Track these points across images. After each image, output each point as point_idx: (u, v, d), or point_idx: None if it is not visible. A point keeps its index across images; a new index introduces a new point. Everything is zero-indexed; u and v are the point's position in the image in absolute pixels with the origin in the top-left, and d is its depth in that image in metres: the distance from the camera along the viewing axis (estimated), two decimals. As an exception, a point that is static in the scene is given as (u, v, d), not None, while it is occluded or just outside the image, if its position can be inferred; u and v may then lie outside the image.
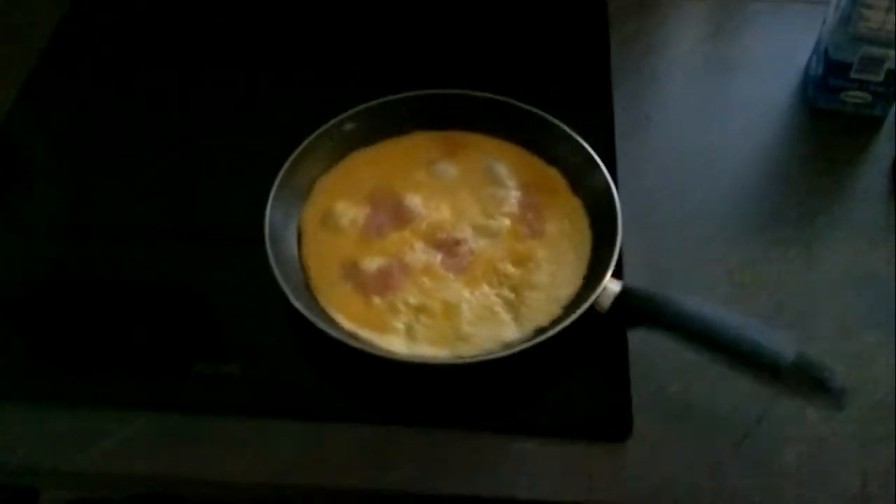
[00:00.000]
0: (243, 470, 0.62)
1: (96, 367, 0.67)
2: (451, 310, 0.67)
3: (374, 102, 0.77)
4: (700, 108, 0.87)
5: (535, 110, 0.77)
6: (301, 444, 0.63)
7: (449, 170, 0.76)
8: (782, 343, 0.60)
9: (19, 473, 0.63)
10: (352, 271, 0.69)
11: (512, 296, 0.68)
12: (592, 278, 0.68)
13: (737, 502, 0.61)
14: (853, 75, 0.81)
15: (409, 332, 0.66)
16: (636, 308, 0.65)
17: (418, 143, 0.78)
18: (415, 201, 0.74)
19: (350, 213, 0.73)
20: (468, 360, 0.64)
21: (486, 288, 0.69)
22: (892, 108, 0.83)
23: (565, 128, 0.75)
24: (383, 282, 0.69)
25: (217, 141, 0.84)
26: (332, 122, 0.76)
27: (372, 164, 0.77)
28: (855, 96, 0.83)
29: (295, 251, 0.71)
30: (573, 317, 0.64)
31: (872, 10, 0.75)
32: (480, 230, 0.72)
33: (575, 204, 0.74)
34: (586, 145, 0.74)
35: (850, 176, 0.81)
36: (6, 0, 0.95)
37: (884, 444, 0.63)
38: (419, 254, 0.70)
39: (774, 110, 0.87)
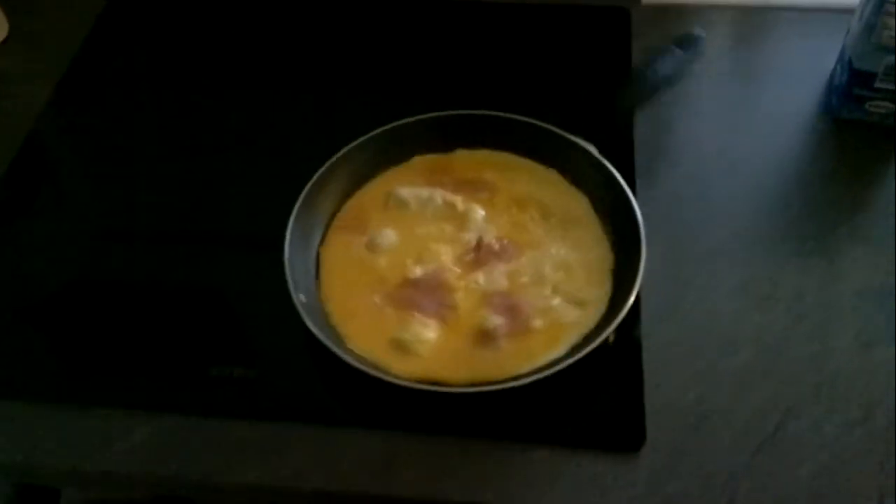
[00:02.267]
0: (256, 473, 0.63)
1: (116, 369, 0.69)
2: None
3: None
4: (722, 116, 0.86)
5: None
6: (313, 449, 0.63)
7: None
8: None
9: (40, 473, 0.65)
10: None
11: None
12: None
13: (750, 515, 0.60)
14: (877, 85, 0.80)
15: None
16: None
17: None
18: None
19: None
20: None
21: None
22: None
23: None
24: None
25: (245, 147, 0.85)
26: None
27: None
28: (879, 106, 0.81)
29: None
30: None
31: (897, 18, 0.75)
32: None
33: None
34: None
35: (873, 187, 0.79)
36: (39, 9, 0.97)
37: (902, 459, 0.62)
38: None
39: (798, 120, 0.86)
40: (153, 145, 0.86)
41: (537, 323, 0.67)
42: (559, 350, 0.66)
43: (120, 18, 0.99)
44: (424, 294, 0.69)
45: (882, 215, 0.77)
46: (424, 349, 0.66)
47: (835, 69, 0.86)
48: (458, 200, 0.75)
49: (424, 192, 0.76)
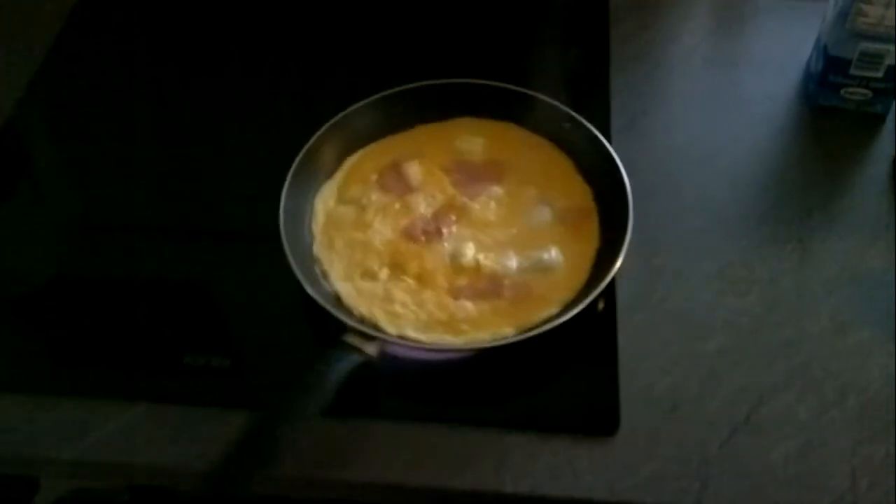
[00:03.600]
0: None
1: (93, 359, 0.69)
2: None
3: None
4: (699, 103, 0.86)
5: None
6: (290, 437, 0.63)
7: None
8: None
9: (15, 462, 0.64)
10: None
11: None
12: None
13: (723, 500, 0.60)
14: (853, 72, 0.80)
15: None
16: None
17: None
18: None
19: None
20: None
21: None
22: (893, 105, 0.82)
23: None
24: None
25: (223, 137, 0.85)
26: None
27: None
28: (855, 93, 0.82)
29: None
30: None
31: (871, 5, 0.75)
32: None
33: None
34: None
35: (848, 173, 0.80)
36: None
37: (874, 442, 0.63)
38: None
39: (775, 107, 0.86)
40: (130, 134, 0.85)
41: None
42: None
43: (96, 7, 0.98)
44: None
45: (856, 201, 0.78)
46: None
47: (811, 56, 0.86)
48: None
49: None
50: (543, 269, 0.70)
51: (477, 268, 0.70)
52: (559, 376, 0.66)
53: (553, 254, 0.70)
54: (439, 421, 0.64)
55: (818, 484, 0.61)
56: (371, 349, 0.62)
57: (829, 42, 0.80)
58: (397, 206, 0.73)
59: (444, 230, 0.72)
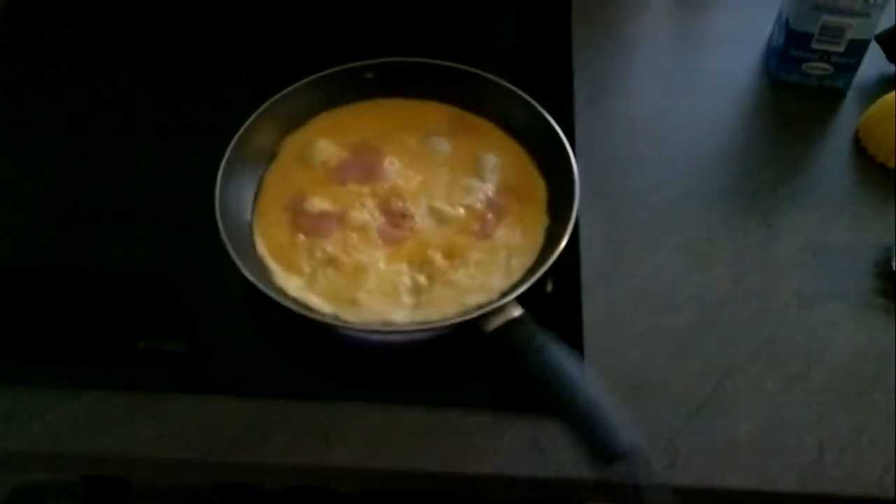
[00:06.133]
0: (187, 448, 0.60)
1: (41, 347, 0.66)
2: (358, 272, 0.66)
3: (383, 60, 0.77)
4: (662, 79, 0.86)
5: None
6: (246, 421, 0.61)
7: (442, 146, 0.75)
8: (622, 432, 0.55)
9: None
10: (296, 205, 0.70)
11: (424, 283, 0.66)
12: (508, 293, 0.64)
13: (691, 475, 0.59)
14: (814, 45, 0.80)
15: (310, 279, 0.66)
16: (515, 340, 0.61)
17: (427, 112, 0.77)
18: (392, 164, 0.73)
19: (328, 152, 0.74)
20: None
21: (403, 266, 0.67)
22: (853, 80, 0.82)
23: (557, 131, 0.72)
24: (317, 225, 0.69)
25: (171, 126, 0.82)
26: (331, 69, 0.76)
27: (373, 116, 0.77)
28: (816, 67, 0.81)
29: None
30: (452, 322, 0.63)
31: (832, -23, 0.74)
32: (434, 212, 0.70)
33: (543, 221, 0.70)
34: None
35: (810, 148, 0.79)
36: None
37: (841, 415, 0.62)
38: (364, 212, 0.70)
39: (737, 83, 0.85)
40: (75, 123, 0.82)
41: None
42: None
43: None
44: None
45: (819, 176, 0.77)
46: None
47: (773, 31, 0.86)
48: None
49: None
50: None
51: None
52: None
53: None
54: (401, 402, 0.62)
55: (786, 457, 0.60)
56: None
57: (791, 16, 0.79)
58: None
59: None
